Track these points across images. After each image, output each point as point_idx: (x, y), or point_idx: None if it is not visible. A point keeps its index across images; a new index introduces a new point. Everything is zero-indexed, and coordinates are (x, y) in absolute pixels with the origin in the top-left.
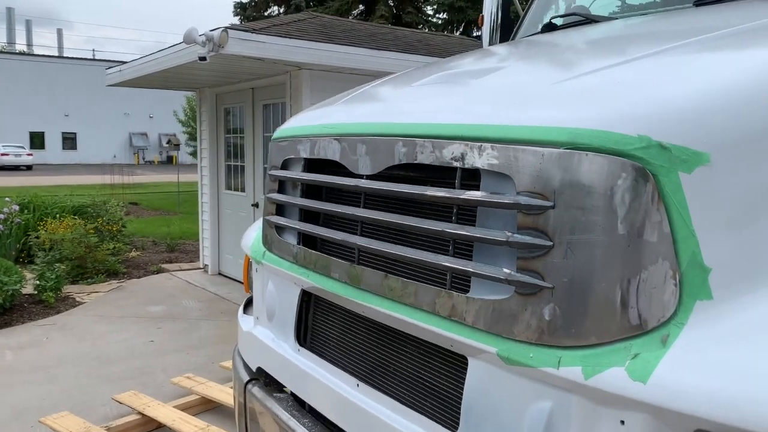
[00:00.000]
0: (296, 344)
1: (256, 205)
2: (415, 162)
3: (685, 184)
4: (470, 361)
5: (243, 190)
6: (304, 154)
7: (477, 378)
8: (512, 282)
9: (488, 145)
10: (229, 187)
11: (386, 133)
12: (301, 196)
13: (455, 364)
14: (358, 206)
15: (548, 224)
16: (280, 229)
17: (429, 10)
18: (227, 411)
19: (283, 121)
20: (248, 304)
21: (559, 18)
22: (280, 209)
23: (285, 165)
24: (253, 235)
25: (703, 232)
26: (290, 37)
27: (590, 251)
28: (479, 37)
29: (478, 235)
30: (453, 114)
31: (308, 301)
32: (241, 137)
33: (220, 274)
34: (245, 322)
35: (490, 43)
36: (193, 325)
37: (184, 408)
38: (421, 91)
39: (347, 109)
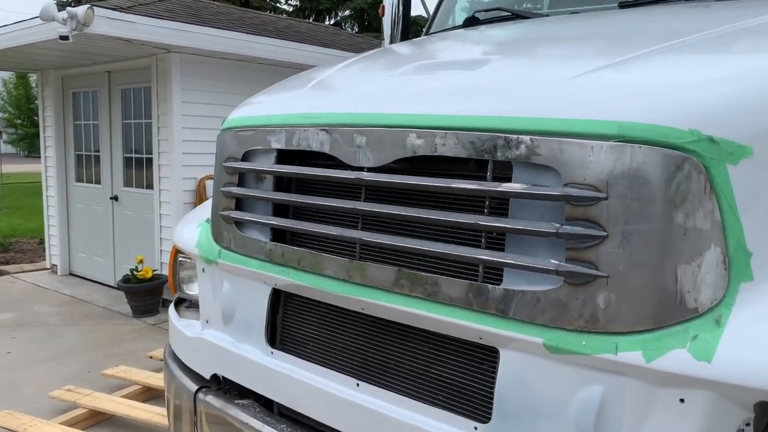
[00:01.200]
0: (268, 347)
1: (115, 198)
2: (435, 154)
3: (732, 175)
4: (502, 353)
5: (98, 182)
6: (278, 145)
7: (511, 369)
8: (562, 272)
9: (526, 137)
10: (80, 179)
11: (395, 124)
12: (275, 190)
13: (482, 356)
14: (356, 200)
15: (601, 215)
16: (239, 224)
17: None
18: (121, 422)
19: (148, 107)
20: (177, 305)
21: (483, 12)
22: (240, 204)
23: (246, 156)
24: (193, 230)
25: (746, 219)
26: (161, 18)
27: (648, 240)
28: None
29: (521, 227)
30: (476, 105)
31: (277, 300)
32: (95, 124)
33: (71, 274)
34: (186, 326)
35: (392, 35)
36: (54, 333)
37: (73, 423)
38: (416, 80)
39: (328, 96)
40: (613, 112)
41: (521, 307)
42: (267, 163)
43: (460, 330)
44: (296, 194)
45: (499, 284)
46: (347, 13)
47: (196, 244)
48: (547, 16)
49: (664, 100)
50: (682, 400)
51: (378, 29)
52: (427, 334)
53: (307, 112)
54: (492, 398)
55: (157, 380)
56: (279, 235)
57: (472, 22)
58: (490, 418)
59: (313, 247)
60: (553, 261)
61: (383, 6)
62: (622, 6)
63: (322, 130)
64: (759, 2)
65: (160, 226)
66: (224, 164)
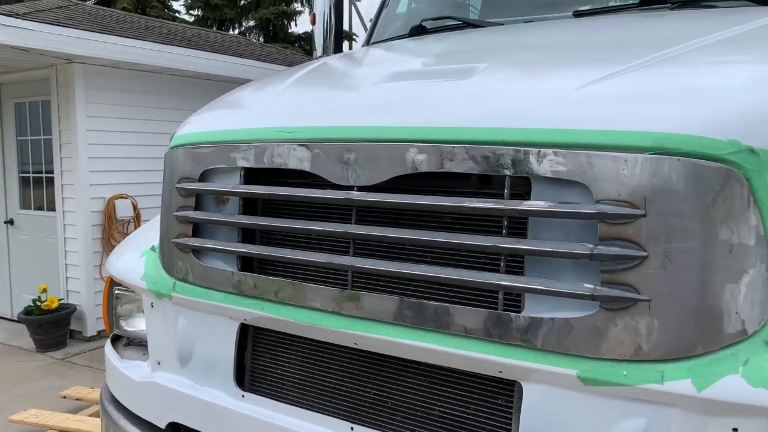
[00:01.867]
0: (237, 389)
1: (10, 222)
2: (440, 171)
3: None
4: (526, 387)
5: None
6: (245, 163)
7: (537, 404)
8: (598, 297)
9: (549, 150)
10: None
11: (392, 139)
12: (243, 212)
13: (500, 391)
14: (345, 222)
15: (640, 233)
16: (197, 253)
17: (176, 6)
18: None
19: (47, 122)
20: (114, 342)
21: (430, 21)
22: (197, 230)
23: (204, 176)
24: (135, 260)
25: None
26: (62, 26)
27: (691, 258)
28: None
29: (549, 249)
30: (484, 115)
31: (245, 337)
32: None
33: None
34: (131, 368)
35: (324, 45)
36: None
37: None
38: (405, 90)
39: (302, 109)
40: (644, 122)
41: (551, 336)
42: (232, 184)
43: (475, 363)
44: (273, 218)
45: (519, 311)
46: (252, 23)
47: (143, 276)
48: (502, 24)
49: (699, 110)
50: (735, 430)
51: (285, 40)
52: (432, 368)
53: (281, 126)
54: None
55: (76, 424)
56: (247, 263)
57: (419, 31)
58: None
59: (294, 277)
60: (587, 285)
61: (314, 14)
62: (576, 15)
63: (300, 145)
64: (713, 12)
65: (65, 252)
66: (177, 186)
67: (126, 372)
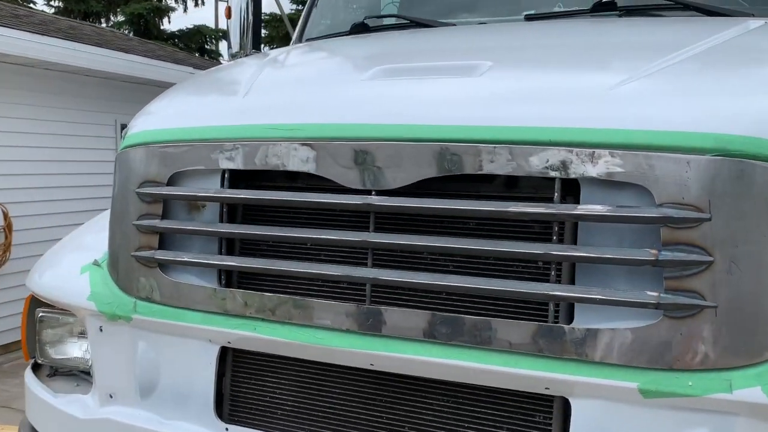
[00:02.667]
0: (218, 422)
1: None
2: (479, 172)
3: None
4: (574, 403)
5: None
6: (229, 164)
7: (588, 421)
8: (663, 305)
9: (605, 151)
10: None
11: (419, 138)
12: (228, 221)
13: (542, 409)
14: (362, 230)
15: (705, 238)
16: (164, 268)
17: None
18: None
19: None
20: (35, 371)
21: (373, 19)
22: (165, 242)
23: (173, 179)
24: (73, 277)
25: None
26: None
27: (759, 262)
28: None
29: (610, 256)
30: (527, 114)
31: (223, 363)
32: None
33: None
34: (69, 404)
35: (242, 40)
36: None
37: None
38: (422, 85)
39: (298, 104)
40: (703, 123)
41: (608, 348)
42: (209, 188)
43: (517, 380)
44: (271, 226)
45: (569, 323)
46: (121, 18)
47: (90, 296)
48: (454, 26)
49: (755, 110)
50: None
51: (159, 37)
52: (457, 387)
53: (278, 123)
54: None
55: None
56: (227, 279)
57: (360, 29)
58: None
59: (295, 292)
60: (650, 293)
61: (229, 7)
62: (528, 19)
63: (303, 145)
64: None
65: None
66: (139, 190)
67: (64, 409)
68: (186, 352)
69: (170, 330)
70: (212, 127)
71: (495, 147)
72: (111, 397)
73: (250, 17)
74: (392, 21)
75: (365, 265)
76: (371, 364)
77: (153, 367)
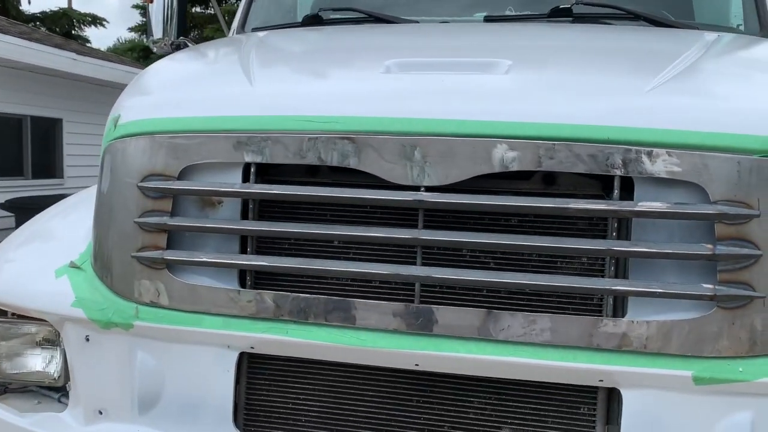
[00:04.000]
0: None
1: None
2: (536, 169)
3: None
4: (626, 393)
5: None
6: (256, 158)
7: (640, 409)
8: (717, 297)
9: (662, 150)
10: None
11: (475, 134)
12: (255, 217)
13: (593, 400)
14: (411, 227)
15: (755, 233)
16: (173, 269)
17: None
18: None
19: None
20: None
21: (330, 12)
22: (172, 241)
23: (184, 173)
24: (46, 281)
25: None
26: None
27: None
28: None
29: (671, 251)
30: (580, 112)
31: (239, 370)
32: None
33: None
34: (44, 424)
35: (165, 27)
36: None
37: None
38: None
39: (330, 94)
40: (748, 125)
41: (665, 339)
42: (228, 183)
43: (572, 374)
44: (307, 223)
45: (623, 316)
46: None
47: (75, 302)
48: (417, 22)
49: None
50: None
51: (18, 18)
52: (503, 384)
53: (314, 115)
54: None
55: None
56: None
57: (313, 21)
58: None
59: (329, 293)
60: (706, 286)
61: None
62: (487, 20)
63: (343, 138)
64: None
65: None
66: (144, 185)
67: (37, 430)
68: (198, 359)
69: (180, 337)
70: (232, 117)
71: (554, 144)
72: (100, 413)
73: (175, 2)
74: (346, 14)
75: (410, 263)
76: (416, 365)
77: (155, 378)
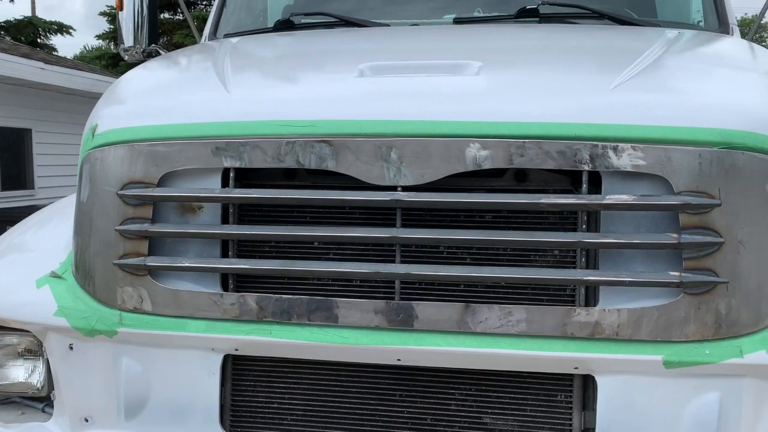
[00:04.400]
0: None
1: None
2: (510, 167)
3: None
4: (600, 379)
5: None
6: (235, 163)
7: (613, 394)
8: (683, 283)
9: (627, 145)
10: None
11: (447, 134)
12: (236, 222)
13: (569, 387)
14: (388, 226)
15: (716, 221)
16: (156, 275)
17: None
18: None
19: None
20: None
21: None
22: (154, 247)
23: (163, 180)
24: (27, 291)
25: None
26: None
27: (759, 241)
28: None
29: (638, 241)
30: (555, 113)
31: (224, 372)
32: None
33: None
34: None
35: (135, 35)
36: None
37: None
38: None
39: (306, 99)
40: (707, 118)
41: (635, 326)
42: (208, 188)
43: (548, 363)
44: (287, 226)
45: (595, 305)
46: None
47: (58, 311)
48: (388, 26)
49: (745, 107)
50: None
51: None
52: (483, 375)
53: (292, 120)
54: (586, 429)
55: None
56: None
57: (284, 26)
58: None
59: (310, 293)
60: (672, 273)
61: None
62: (456, 22)
63: (320, 142)
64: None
65: None
66: (124, 192)
67: None
68: (183, 363)
69: (164, 342)
70: (210, 124)
71: (525, 142)
72: (87, 421)
73: (145, 10)
74: (317, 19)
75: (389, 261)
76: (398, 360)
77: (140, 384)
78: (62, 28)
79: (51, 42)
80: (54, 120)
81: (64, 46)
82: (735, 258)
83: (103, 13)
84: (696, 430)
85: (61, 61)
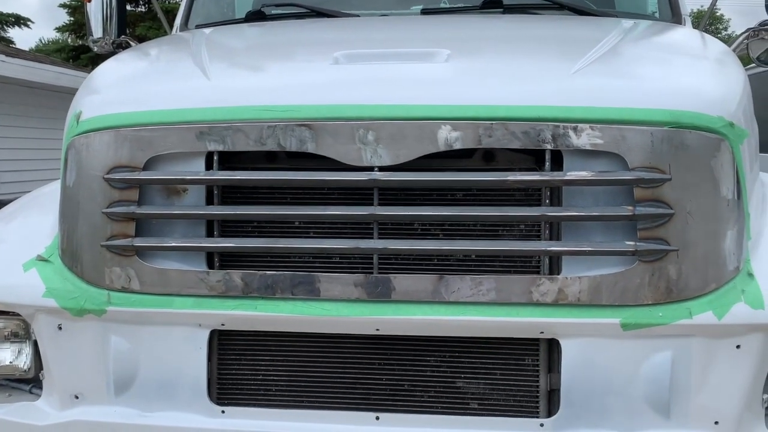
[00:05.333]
0: (214, 406)
1: None
2: (478, 147)
3: (742, 153)
4: (564, 342)
5: None
6: (218, 146)
7: (576, 356)
8: (638, 252)
9: (586, 125)
10: None
11: (421, 117)
12: (220, 203)
13: (536, 350)
14: (366, 204)
15: (667, 194)
16: (143, 255)
17: None
18: None
19: None
20: None
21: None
22: (140, 228)
23: (149, 164)
24: (14, 274)
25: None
26: None
27: (706, 212)
28: None
29: (597, 214)
30: (518, 95)
31: (210, 346)
32: None
33: None
34: (19, 413)
35: (105, 26)
36: None
37: None
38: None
39: (288, 85)
40: (659, 100)
41: (595, 292)
42: (192, 171)
43: (516, 328)
44: (270, 206)
45: (559, 273)
46: None
47: (46, 293)
48: (358, 16)
49: (693, 90)
50: (738, 346)
51: None
52: (456, 341)
53: (272, 105)
54: (552, 390)
55: None
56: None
57: (256, 16)
58: (553, 411)
59: (293, 269)
60: (628, 242)
61: None
62: (423, 12)
63: (300, 125)
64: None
65: None
66: (111, 176)
67: (15, 419)
68: (170, 340)
69: (152, 319)
70: (194, 109)
71: (492, 124)
72: (77, 398)
73: (114, 1)
74: (288, 10)
75: (368, 237)
76: (377, 330)
77: (129, 361)
78: (20, 21)
79: (8, 35)
80: (16, 114)
81: (19, 38)
82: (684, 228)
83: (63, 5)
84: (651, 386)
85: (22, 54)
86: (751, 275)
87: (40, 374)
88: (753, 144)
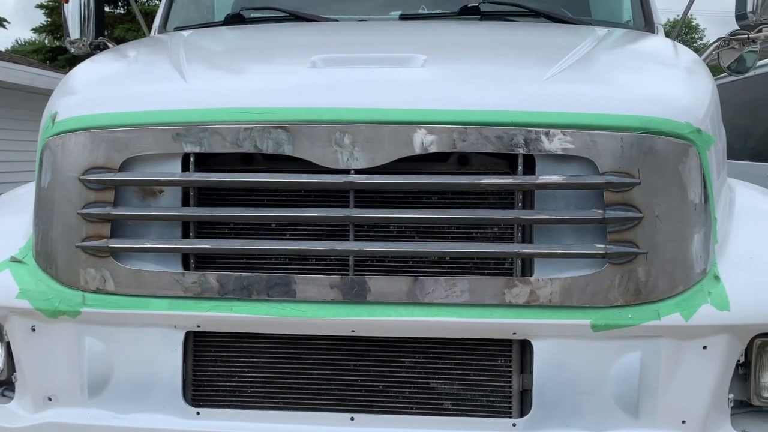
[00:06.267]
0: (188, 407)
1: None
2: (453, 151)
3: (709, 159)
4: (536, 343)
5: None
6: (195, 148)
7: (548, 356)
8: (608, 254)
9: (557, 130)
10: None
11: (396, 120)
12: (196, 204)
13: (508, 351)
14: (342, 206)
15: (636, 198)
16: (118, 256)
17: None
18: None
19: None
20: None
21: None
22: (116, 229)
23: (125, 165)
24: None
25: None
26: None
27: (673, 216)
28: None
29: (568, 217)
30: (493, 101)
31: (186, 348)
32: None
33: None
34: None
35: (82, 27)
36: None
37: None
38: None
39: (265, 87)
40: (629, 106)
41: (566, 293)
42: (168, 172)
43: (489, 329)
44: (246, 208)
45: (531, 275)
46: None
47: (19, 294)
48: (337, 21)
49: (662, 97)
50: (705, 347)
51: None
52: (430, 342)
53: (250, 107)
54: (525, 391)
55: None
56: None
57: (235, 20)
58: (525, 412)
59: (268, 270)
60: (598, 245)
61: None
62: (402, 18)
63: (277, 128)
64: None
65: None
66: (87, 177)
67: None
68: (145, 341)
69: (126, 320)
70: (170, 111)
71: (466, 128)
72: (50, 400)
73: (91, 2)
74: (267, 13)
75: (344, 239)
76: (352, 331)
77: (104, 362)
78: (64, 22)
79: None
80: None
81: None
82: (653, 231)
83: (40, 6)
84: (620, 386)
85: None
86: (717, 278)
87: (12, 376)
88: (720, 150)
